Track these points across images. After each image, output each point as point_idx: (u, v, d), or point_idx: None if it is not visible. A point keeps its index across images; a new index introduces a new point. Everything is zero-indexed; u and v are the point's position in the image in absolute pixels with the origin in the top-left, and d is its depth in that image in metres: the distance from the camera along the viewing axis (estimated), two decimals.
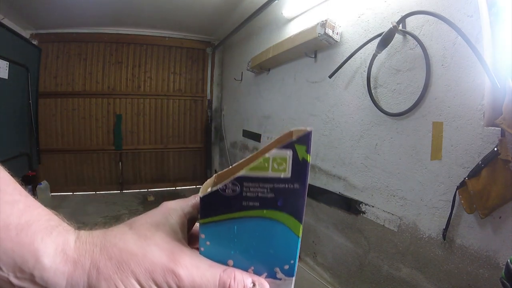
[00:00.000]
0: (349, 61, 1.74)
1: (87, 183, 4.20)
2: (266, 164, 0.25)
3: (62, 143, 4.01)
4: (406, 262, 1.43)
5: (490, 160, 1.03)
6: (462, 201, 1.14)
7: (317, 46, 2.03)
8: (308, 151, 0.24)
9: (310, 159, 0.25)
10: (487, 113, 1.10)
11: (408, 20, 1.41)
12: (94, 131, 4.13)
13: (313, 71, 2.18)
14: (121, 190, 4.33)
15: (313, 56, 2.15)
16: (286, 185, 0.25)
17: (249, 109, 3.38)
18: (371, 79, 1.60)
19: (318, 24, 1.85)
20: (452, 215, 1.20)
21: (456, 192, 1.17)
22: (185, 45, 4.39)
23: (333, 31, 1.83)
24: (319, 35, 1.83)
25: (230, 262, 0.28)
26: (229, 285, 0.26)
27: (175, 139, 4.53)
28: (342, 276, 1.89)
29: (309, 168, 0.25)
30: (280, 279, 0.29)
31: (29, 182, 3.41)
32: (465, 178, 1.12)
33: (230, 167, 0.31)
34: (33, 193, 3.45)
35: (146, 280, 0.25)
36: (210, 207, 0.26)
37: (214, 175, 0.32)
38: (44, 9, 3.09)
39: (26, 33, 3.62)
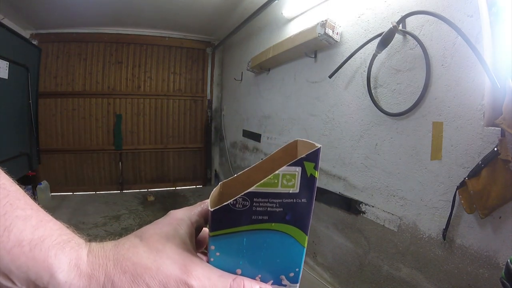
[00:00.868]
0: (349, 61, 1.73)
1: (87, 183, 4.21)
2: (276, 180, 0.26)
3: (62, 143, 4.02)
4: (406, 262, 1.43)
5: (490, 160, 1.03)
6: (462, 201, 1.14)
7: (317, 46, 2.03)
8: (316, 168, 0.26)
9: (318, 175, 0.26)
10: (487, 113, 1.10)
11: (408, 20, 1.41)
12: (94, 131, 4.13)
13: (313, 71, 2.18)
14: (121, 190, 4.34)
15: (313, 56, 2.15)
16: (294, 200, 0.27)
17: (249, 109, 3.38)
18: (371, 79, 1.60)
19: (318, 24, 1.85)
20: (452, 215, 1.20)
21: (456, 192, 1.17)
22: (185, 45, 4.39)
23: (333, 31, 1.83)
24: (319, 35, 1.83)
25: (239, 271, 0.29)
26: None
27: (175, 139, 4.53)
28: (342, 276, 1.89)
29: (317, 183, 0.26)
30: (285, 285, 0.30)
31: (29, 182, 3.41)
32: (465, 178, 1.12)
33: (235, 175, 0.32)
34: (33, 193, 3.45)
35: None
36: (220, 220, 0.27)
37: (219, 184, 0.33)
38: (44, 9, 3.09)
39: (26, 33, 3.63)
